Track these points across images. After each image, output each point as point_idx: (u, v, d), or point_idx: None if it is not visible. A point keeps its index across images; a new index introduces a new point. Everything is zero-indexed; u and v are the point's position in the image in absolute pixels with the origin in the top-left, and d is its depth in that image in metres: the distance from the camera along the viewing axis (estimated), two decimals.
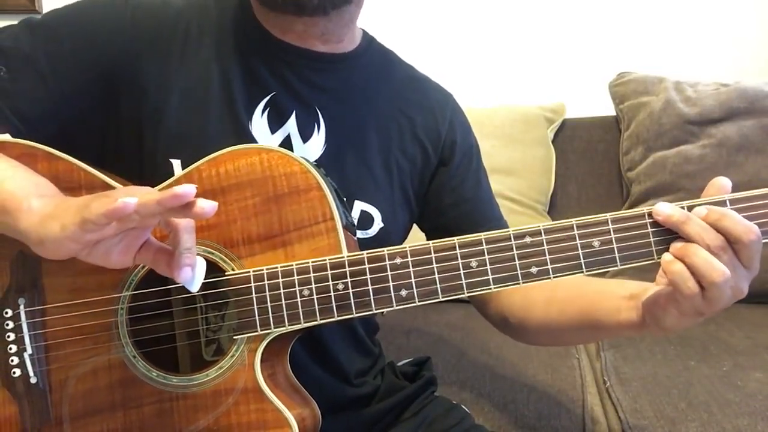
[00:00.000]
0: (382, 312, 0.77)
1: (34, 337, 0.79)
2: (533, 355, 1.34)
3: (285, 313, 0.76)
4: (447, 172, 1.02)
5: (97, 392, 0.79)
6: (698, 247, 0.68)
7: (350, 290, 0.76)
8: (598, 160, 1.98)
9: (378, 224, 0.94)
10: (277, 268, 0.76)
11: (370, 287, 0.76)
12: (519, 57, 2.20)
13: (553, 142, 1.98)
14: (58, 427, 0.79)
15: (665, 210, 0.71)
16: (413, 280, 0.75)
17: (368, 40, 1.01)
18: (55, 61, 0.86)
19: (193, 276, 0.68)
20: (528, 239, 0.74)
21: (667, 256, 0.71)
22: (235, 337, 0.77)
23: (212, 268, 0.78)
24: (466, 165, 1.04)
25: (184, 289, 0.77)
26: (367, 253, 0.76)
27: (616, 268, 0.74)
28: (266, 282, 0.76)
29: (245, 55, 0.91)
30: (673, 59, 2.14)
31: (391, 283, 0.75)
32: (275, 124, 0.90)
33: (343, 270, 0.76)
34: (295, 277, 0.76)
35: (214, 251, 0.78)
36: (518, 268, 0.74)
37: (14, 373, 0.79)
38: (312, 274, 0.76)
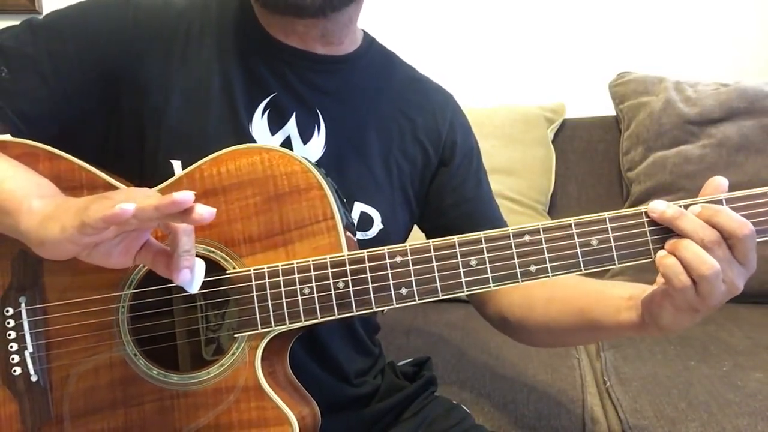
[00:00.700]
0: (383, 310, 0.77)
1: (35, 336, 0.79)
2: (533, 355, 1.34)
3: (286, 311, 0.76)
4: (447, 172, 1.02)
5: (97, 390, 0.79)
6: (689, 241, 0.69)
7: (350, 288, 0.76)
8: (598, 160, 1.98)
9: (378, 225, 0.94)
10: (277, 266, 0.77)
11: (370, 285, 0.76)
12: (519, 57, 2.20)
13: (553, 142, 1.98)
14: (58, 426, 0.79)
15: (659, 207, 0.72)
16: (413, 278, 0.75)
17: (369, 42, 1.01)
18: (57, 62, 0.86)
19: (192, 278, 0.68)
20: (527, 238, 0.74)
21: (661, 252, 0.71)
22: (236, 335, 0.78)
23: (213, 267, 0.79)
24: (466, 165, 1.04)
25: (181, 289, 0.77)
26: (368, 252, 0.76)
27: (615, 267, 0.74)
28: (267, 280, 0.77)
29: (246, 56, 0.91)
30: (673, 59, 2.14)
31: (391, 282, 0.76)
32: (275, 125, 0.91)
33: (344, 268, 0.76)
34: (296, 276, 0.76)
35: (215, 250, 0.78)
36: (517, 267, 0.74)
37: (15, 371, 0.79)
38: (313, 273, 0.76)
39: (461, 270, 0.75)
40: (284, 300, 0.76)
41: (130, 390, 0.79)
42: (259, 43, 0.92)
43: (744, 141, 1.71)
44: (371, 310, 0.77)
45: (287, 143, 0.91)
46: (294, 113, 0.91)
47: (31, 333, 0.79)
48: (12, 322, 0.79)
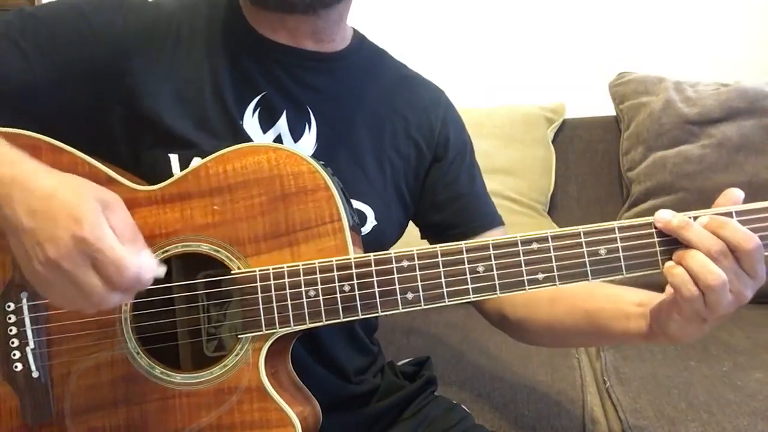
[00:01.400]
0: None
1: (36, 332, 0.79)
2: (533, 355, 1.34)
3: (290, 313, 0.76)
4: (441, 168, 1.02)
5: (99, 388, 0.79)
6: (696, 251, 0.70)
7: (356, 292, 0.76)
8: (598, 160, 1.98)
9: (371, 222, 0.94)
10: (283, 268, 0.76)
11: (376, 289, 0.76)
12: (519, 57, 2.20)
13: (553, 142, 1.98)
14: (59, 422, 0.79)
15: (665, 216, 0.72)
16: (419, 283, 0.75)
17: (359, 39, 1.01)
18: (44, 51, 0.85)
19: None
20: (535, 245, 0.74)
21: (669, 262, 0.72)
22: (239, 336, 0.77)
23: (217, 266, 0.79)
24: (459, 161, 1.04)
25: (186, 287, 0.77)
26: (374, 255, 0.76)
27: (621, 277, 0.74)
28: (272, 282, 0.76)
29: (235, 55, 0.91)
30: (673, 59, 2.14)
31: (397, 286, 0.76)
32: (266, 123, 0.90)
33: (350, 272, 0.76)
34: (302, 278, 0.76)
35: (219, 249, 0.78)
36: (525, 274, 0.74)
37: (16, 367, 0.79)
38: (318, 275, 0.76)
39: (468, 276, 0.75)
40: (289, 302, 0.76)
41: (131, 388, 0.79)
42: (248, 42, 0.91)
43: (744, 141, 1.71)
44: (377, 314, 0.76)
45: (278, 141, 0.90)
46: (285, 111, 0.91)
47: (32, 329, 0.79)
48: (13, 318, 0.79)
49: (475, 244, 0.75)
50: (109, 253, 0.64)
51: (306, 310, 0.76)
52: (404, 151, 0.99)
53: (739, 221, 0.71)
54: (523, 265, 0.74)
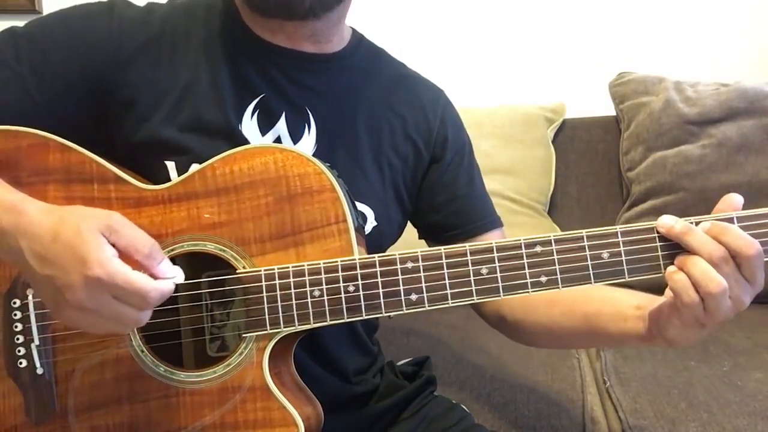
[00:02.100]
0: (389, 315, 0.77)
1: (41, 328, 0.79)
2: (533, 355, 1.34)
3: (295, 313, 0.77)
4: (439, 168, 1.02)
5: (103, 385, 0.79)
6: (699, 258, 0.70)
7: (361, 292, 0.76)
8: (598, 160, 1.98)
9: (371, 223, 0.94)
10: (288, 267, 0.77)
11: (380, 290, 0.76)
12: (519, 57, 2.20)
13: (553, 142, 1.98)
14: (62, 419, 0.79)
15: (668, 222, 0.73)
16: (423, 284, 0.76)
17: (357, 39, 1.01)
18: (40, 74, 0.85)
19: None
20: (538, 248, 0.75)
21: (670, 267, 0.73)
22: (244, 335, 0.78)
23: (222, 266, 0.79)
24: (458, 161, 1.04)
25: (190, 286, 0.77)
26: (379, 257, 0.76)
27: (623, 281, 0.75)
28: (277, 281, 0.77)
29: (233, 58, 0.91)
30: (673, 59, 2.14)
31: (401, 287, 0.76)
32: (265, 125, 0.91)
33: (354, 272, 0.76)
34: (306, 278, 0.77)
35: (225, 248, 0.79)
36: (528, 277, 0.75)
37: (21, 363, 0.79)
38: (323, 275, 0.77)
39: (472, 278, 0.75)
40: (294, 302, 0.77)
41: (135, 386, 0.79)
42: (245, 45, 0.91)
43: (744, 141, 1.71)
44: (380, 315, 0.77)
45: (277, 143, 0.91)
46: (284, 113, 0.91)
47: (37, 326, 0.79)
48: (19, 314, 0.79)
49: (479, 247, 0.76)
50: (126, 285, 0.65)
51: (310, 310, 0.77)
52: (402, 151, 0.99)
53: (740, 227, 0.71)
54: (526, 267, 0.75)
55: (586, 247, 0.74)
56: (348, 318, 0.76)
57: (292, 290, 0.77)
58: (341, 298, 0.76)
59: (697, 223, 0.72)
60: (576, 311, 0.88)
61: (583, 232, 0.74)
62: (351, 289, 0.76)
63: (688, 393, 1.16)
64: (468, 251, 0.76)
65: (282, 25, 0.90)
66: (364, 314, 0.76)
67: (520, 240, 0.75)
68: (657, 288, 0.78)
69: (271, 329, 0.77)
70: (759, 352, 1.34)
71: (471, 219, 1.02)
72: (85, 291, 0.64)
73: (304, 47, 0.93)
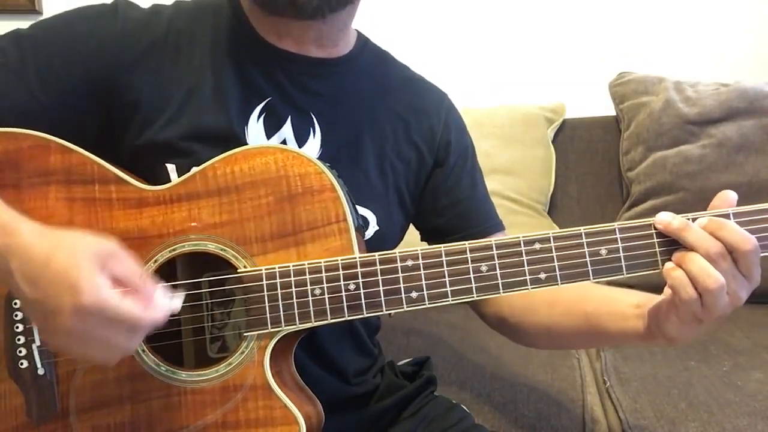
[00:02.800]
0: (390, 313, 0.77)
1: None
2: (533, 355, 1.34)
3: (296, 311, 0.77)
4: (442, 172, 1.02)
5: (104, 385, 0.79)
6: (696, 255, 0.71)
7: (361, 291, 0.77)
8: (598, 160, 1.98)
9: (373, 227, 0.94)
10: (289, 266, 0.77)
11: (381, 288, 0.77)
12: (519, 57, 2.20)
13: (553, 142, 1.99)
14: (64, 419, 0.79)
15: (665, 218, 0.73)
16: (424, 282, 0.76)
17: (363, 42, 1.01)
18: (44, 77, 0.85)
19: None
20: (537, 245, 0.75)
21: (668, 264, 0.73)
22: (245, 334, 0.78)
23: (223, 265, 0.79)
24: (461, 165, 1.04)
25: (191, 286, 0.77)
26: (379, 255, 0.77)
27: (622, 277, 0.75)
28: (278, 280, 0.77)
29: (240, 62, 0.91)
30: (673, 59, 2.14)
31: (402, 285, 0.76)
32: (271, 129, 0.91)
33: (355, 270, 0.77)
34: (307, 276, 0.77)
35: (226, 248, 0.79)
36: (527, 274, 0.75)
37: (22, 363, 0.79)
38: (324, 274, 0.77)
39: (472, 275, 0.76)
40: (295, 300, 0.77)
41: (137, 385, 0.79)
42: (252, 48, 0.91)
43: (744, 141, 1.71)
44: (381, 313, 0.77)
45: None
46: (289, 117, 0.91)
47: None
48: (20, 315, 0.79)
49: (479, 244, 0.76)
50: (116, 314, 0.64)
51: (311, 309, 0.77)
52: (405, 155, 0.99)
53: (737, 223, 0.72)
54: (525, 264, 0.75)
55: (585, 244, 0.75)
56: (349, 316, 0.77)
57: (293, 289, 0.77)
58: (342, 296, 0.77)
59: (694, 220, 0.73)
60: (576, 311, 0.89)
61: (582, 229, 0.75)
62: (352, 287, 0.77)
63: (688, 393, 1.16)
64: (468, 249, 0.76)
65: (289, 27, 0.90)
66: (365, 312, 0.77)
67: (519, 237, 0.76)
68: (657, 288, 0.79)
69: (272, 328, 0.77)
70: (759, 352, 1.34)
71: (473, 222, 1.02)
72: (74, 318, 0.63)
73: (310, 51, 0.93)
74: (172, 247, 0.79)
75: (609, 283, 0.91)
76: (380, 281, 0.76)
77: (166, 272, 0.80)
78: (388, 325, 1.31)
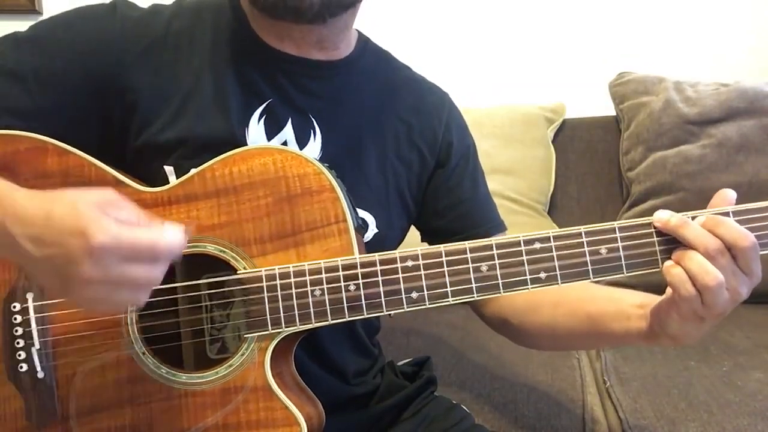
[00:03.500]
0: (389, 314, 0.77)
1: (41, 332, 0.79)
2: (533, 355, 1.34)
3: (296, 312, 0.77)
4: (443, 173, 1.02)
5: (104, 388, 0.79)
6: (695, 252, 0.71)
7: (361, 291, 0.77)
8: (598, 160, 1.98)
9: (372, 230, 0.94)
10: (289, 268, 0.77)
11: (381, 289, 0.77)
12: (519, 57, 2.20)
13: (553, 142, 1.99)
14: (64, 423, 0.79)
15: (663, 216, 0.74)
16: (424, 282, 0.76)
17: (363, 43, 1.01)
18: (43, 78, 0.85)
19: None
20: (537, 245, 0.75)
21: (668, 262, 0.73)
22: (245, 336, 0.78)
23: (222, 267, 0.79)
24: (462, 166, 1.04)
25: (190, 288, 0.77)
26: (379, 255, 0.77)
27: (622, 276, 0.75)
28: (278, 281, 0.77)
29: (240, 64, 0.90)
30: (673, 59, 2.14)
31: (402, 285, 0.76)
32: (272, 130, 0.90)
33: (355, 271, 0.77)
34: (307, 278, 0.77)
35: (225, 249, 0.79)
36: (527, 273, 0.75)
37: (21, 367, 0.79)
38: (324, 275, 0.77)
39: (472, 275, 0.76)
40: (295, 302, 0.77)
41: (137, 388, 0.79)
42: (253, 50, 0.91)
43: (744, 141, 1.71)
44: (381, 313, 0.77)
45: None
46: (290, 119, 0.91)
47: (38, 329, 0.79)
48: (19, 318, 0.79)
49: (479, 244, 0.76)
50: (134, 242, 0.61)
51: (311, 310, 0.77)
52: (407, 158, 0.99)
53: (736, 221, 0.72)
54: (525, 264, 0.75)
55: (585, 243, 0.75)
56: (349, 317, 0.77)
57: (293, 290, 0.77)
58: (342, 297, 0.77)
59: (693, 218, 0.73)
60: (579, 311, 0.89)
61: (581, 229, 0.75)
62: (352, 288, 0.77)
63: (688, 393, 1.16)
64: (467, 249, 0.76)
65: (289, 30, 0.90)
66: (365, 313, 0.77)
67: (519, 237, 0.76)
68: (658, 289, 0.78)
69: (272, 329, 0.77)
70: (759, 352, 1.34)
71: (475, 223, 1.02)
72: (91, 262, 0.60)
73: (311, 54, 0.93)
74: None
75: (610, 284, 0.91)
76: (380, 282, 0.76)
77: (165, 274, 0.79)
78: (388, 325, 1.31)
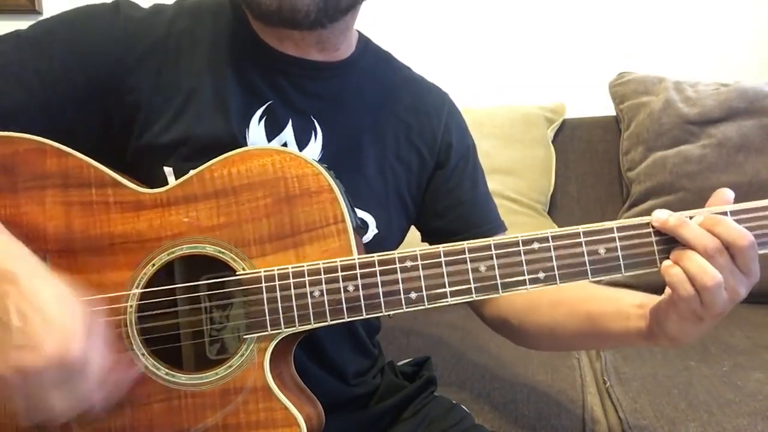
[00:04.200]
0: (389, 315, 0.77)
1: None
2: (533, 355, 1.34)
3: (296, 313, 0.77)
4: (443, 174, 1.02)
5: None
6: (693, 252, 0.71)
7: (360, 292, 0.76)
8: (598, 160, 1.98)
9: (372, 231, 0.94)
10: (288, 268, 0.77)
11: (380, 289, 0.76)
12: (519, 57, 2.20)
13: (553, 142, 1.99)
14: (64, 424, 0.78)
15: (662, 215, 0.73)
16: (423, 283, 0.76)
17: (364, 43, 1.01)
18: (44, 77, 0.85)
19: None
20: (536, 245, 0.75)
21: (666, 262, 0.73)
22: (244, 337, 0.78)
23: (222, 268, 0.79)
24: (462, 167, 1.04)
25: (189, 289, 0.77)
26: (378, 256, 0.77)
27: (621, 276, 0.75)
28: (277, 282, 0.77)
29: (241, 65, 0.90)
30: (673, 59, 2.15)
31: (401, 286, 0.76)
32: (273, 132, 0.90)
33: (354, 272, 0.77)
34: (306, 278, 0.77)
35: (224, 250, 0.79)
36: (526, 273, 0.75)
37: None
38: (323, 276, 0.77)
39: (470, 276, 0.76)
40: (294, 303, 0.77)
41: (136, 389, 0.78)
42: (253, 51, 0.91)
43: (744, 141, 1.71)
44: (380, 314, 0.77)
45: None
46: (290, 120, 0.91)
47: None
48: None
49: (478, 244, 0.76)
50: (98, 373, 0.68)
51: (311, 311, 0.77)
52: (406, 158, 0.99)
53: (734, 220, 0.72)
54: (524, 264, 0.75)
55: (583, 243, 0.75)
56: (348, 318, 0.77)
57: (292, 291, 0.77)
58: (341, 298, 0.76)
59: (691, 217, 0.73)
60: (579, 311, 0.89)
61: (580, 229, 0.75)
62: (351, 288, 0.76)
63: (688, 393, 1.16)
64: (466, 249, 0.76)
65: (289, 32, 0.89)
66: (364, 313, 0.76)
67: (517, 237, 0.75)
68: (657, 289, 0.79)
69: (271, 330, 0.77)
70: (759, 352, 1.34)
71: (475, 224, 1.02)
72: (49, 364, 0.64)
73: (311, 55, 0.93)
74: (169, 250, 0.79)
75: (609, 284, 0.91)
76: (379, 282, 0.76)
77: (165, 275, 0.80)
78: (388, 325, 1.31)
